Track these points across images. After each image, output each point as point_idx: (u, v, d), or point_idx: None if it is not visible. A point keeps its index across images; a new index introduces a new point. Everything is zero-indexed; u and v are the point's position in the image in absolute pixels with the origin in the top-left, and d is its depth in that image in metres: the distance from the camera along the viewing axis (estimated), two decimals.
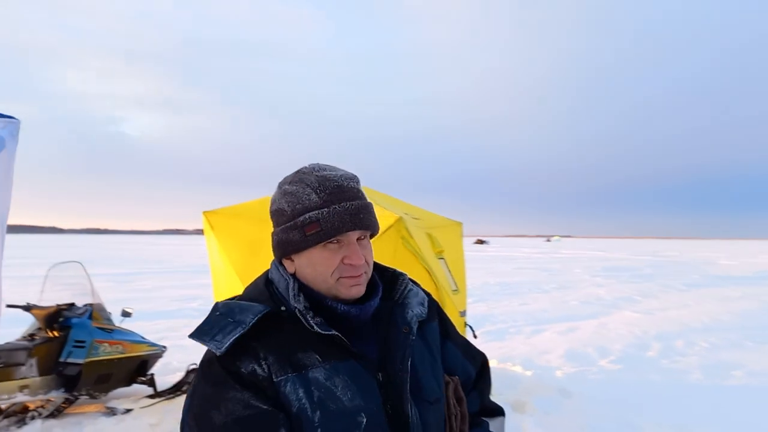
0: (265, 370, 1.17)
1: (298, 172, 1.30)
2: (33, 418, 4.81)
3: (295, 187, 1.27)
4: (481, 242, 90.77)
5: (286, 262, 1.31)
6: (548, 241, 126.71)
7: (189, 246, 61.76)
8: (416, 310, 1.37)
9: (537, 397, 5.59)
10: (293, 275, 1.29)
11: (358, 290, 1.26)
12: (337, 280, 1.24)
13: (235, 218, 4.88)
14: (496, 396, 5.72)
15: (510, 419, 5.12)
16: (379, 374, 1.25)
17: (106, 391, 5.26)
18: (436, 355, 1.41)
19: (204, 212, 4.85)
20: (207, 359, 1.20)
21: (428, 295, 1.50)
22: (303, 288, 1.27)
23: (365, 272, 1.28)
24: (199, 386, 1.18)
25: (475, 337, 5.24)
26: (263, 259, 4.35)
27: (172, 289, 16.00)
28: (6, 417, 4.73)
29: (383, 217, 4.47)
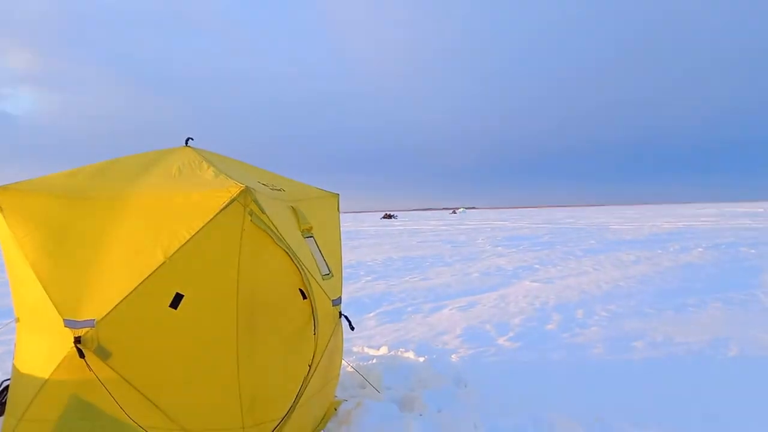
0: None
1: None
2: None
3: None
4: (389, 216, 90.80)
5: None
6: (454, 213, 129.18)
7: None
8: None
9: (429, 390, 4.88)
10: None
11: None
12: None
13: (32, 196, 3.69)
14: (384, 392, 4.98)
15: (396, 422, 4.39)
16: None
17: None
18: None
19: None
20: None
21: None
22: None
23: None
24: None
25: (351, 328, 4.41)
26: (71, 250, 3.11)
27: None
28: None
29: (223, 189, 3.53)
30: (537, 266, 14.31)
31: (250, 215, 3.55)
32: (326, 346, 4.16)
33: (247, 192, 3.50)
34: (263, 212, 3.60)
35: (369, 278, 12.97)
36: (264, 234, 3.63)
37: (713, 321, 7.31)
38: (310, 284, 3.93)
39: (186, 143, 4.39)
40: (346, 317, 4.39)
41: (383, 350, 6.24)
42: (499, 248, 20.69)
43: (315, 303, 3.97)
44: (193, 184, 3.79)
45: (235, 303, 3.53)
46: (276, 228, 3.69)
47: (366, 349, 6.36)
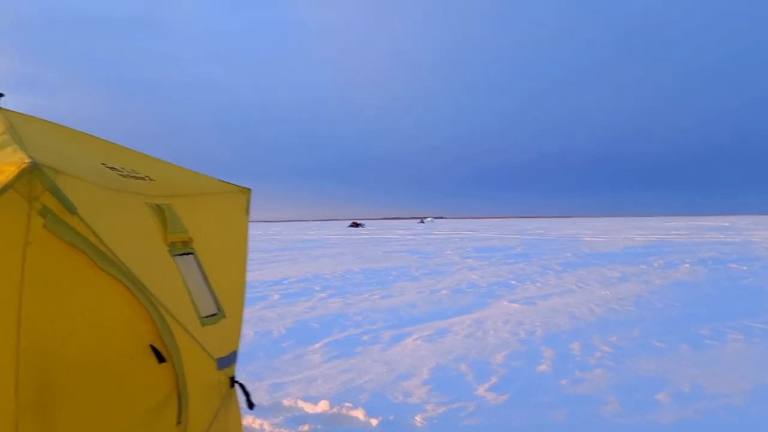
0: None
1: None
2: None
3: None
4: (356, 225, 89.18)
5: None
6: (422, 222, 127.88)
7: None
8: None
9: None
10: None
11: None
12: None
13: None
14: None
15: None
16: None
17: None
18: None
19: None
20: None
21: None
22: None
23: None
24: None
25: (250, 406, 2.74)
26: None
27: None
28: None
29: None
30: (513, 282, 12.80)
31: (43, 216, 1.89)
32: None
33: (33, 174, 1.85)
34: (71, 211, 1.94)
35: (323, 294, 11.28)
36: (73, 251, 1.97)
37: (742, 361, 5.83)
38: (173, 336, 2.28)
39: None
40: (241, 386, 2.71)
41: (323, 405, 4.57)
42: (470, 260, 19.18)
43: (182, 368, 2.32)
44: None
45: (13, 372, 1.89)
46: (101, 239, 2.03)
47: (300, 403, 4.68)
